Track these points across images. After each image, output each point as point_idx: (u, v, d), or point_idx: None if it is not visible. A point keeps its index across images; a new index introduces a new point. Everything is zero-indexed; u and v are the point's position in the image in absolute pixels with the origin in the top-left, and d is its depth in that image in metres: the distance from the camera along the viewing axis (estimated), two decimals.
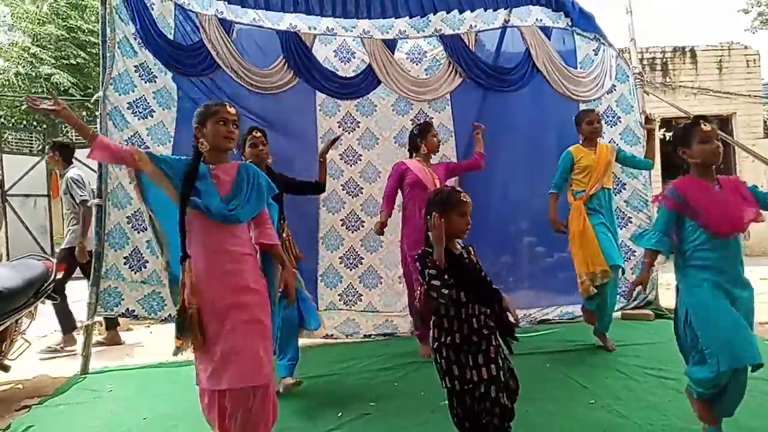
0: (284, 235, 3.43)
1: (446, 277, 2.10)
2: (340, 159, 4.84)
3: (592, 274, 3.72)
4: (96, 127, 4.00)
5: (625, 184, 4.99)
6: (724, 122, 9.29)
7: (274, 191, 2.48)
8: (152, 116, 4.23)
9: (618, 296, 4.71)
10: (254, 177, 2.38)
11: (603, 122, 5.00)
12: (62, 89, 12.50)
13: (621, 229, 4.92)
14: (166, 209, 2.38)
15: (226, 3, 4.50)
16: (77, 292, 4.86)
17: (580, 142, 4.00)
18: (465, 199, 2.21)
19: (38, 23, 12.35)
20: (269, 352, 2.30)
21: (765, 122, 9.99)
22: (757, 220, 2.29)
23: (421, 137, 4.04)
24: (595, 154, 3.89)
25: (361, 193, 4.86)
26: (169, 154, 2.29)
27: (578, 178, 3.90)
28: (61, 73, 12.55)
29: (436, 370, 2.20)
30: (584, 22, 5.03)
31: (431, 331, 2.21)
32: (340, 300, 4.77)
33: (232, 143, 2.34)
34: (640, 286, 2.47)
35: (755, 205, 2.30)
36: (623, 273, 4.03)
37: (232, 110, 2.35)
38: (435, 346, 2.18)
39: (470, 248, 2.28)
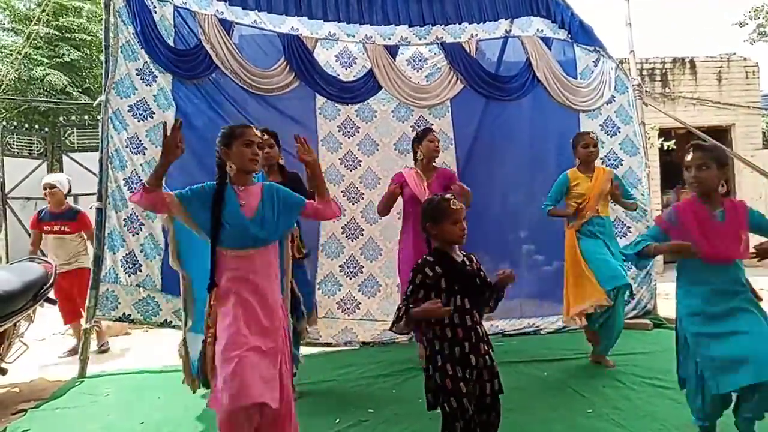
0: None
1: (443, 283, 2.07)
2: (340, 164, 4.83)
3: (584, 309, 3.64)
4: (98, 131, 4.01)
5: None
6: (723, 133, 9.33)
7: (302, 201, 2.42)
8: (152, 117, 4.24)
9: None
10: (278, 192, 2.36)
11: (603, 132, 5.06)
12: (58, 89, 12.50)
13: (621, 238, 4.94)
14: (197, 259, 2.37)
15: (227, 4, 4.53)
16: None
17: (576, 165, 3.90)
18: (454, 206, 2.15)
19: (28, 23, 12.24)
20: (288, 375, 2.28)
21: (764, 133, 10.02)
22: (743, 257, 2.32)
23: (417, 142, 3.97)
24: (592, 181, 3.77)
25: (362, 199, 4.84)
26: (192, 186, 2.31)
27: (572, 203, 3.79)
28: (56, 72, 12.52)
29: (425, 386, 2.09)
30: (583, 34, 5.07)
31: (428, 345, 2.10)
32: (338, 308, 4.73)
33: (258, 165, 2.34)
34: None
35: (745, 232, 2.33)
36: (630, 291, 3.84)
37: (258, 132, 2.36)
38: (438, 364, 2.03)
39: (472, 256, 2.23)
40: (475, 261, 2.22)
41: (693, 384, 2.44)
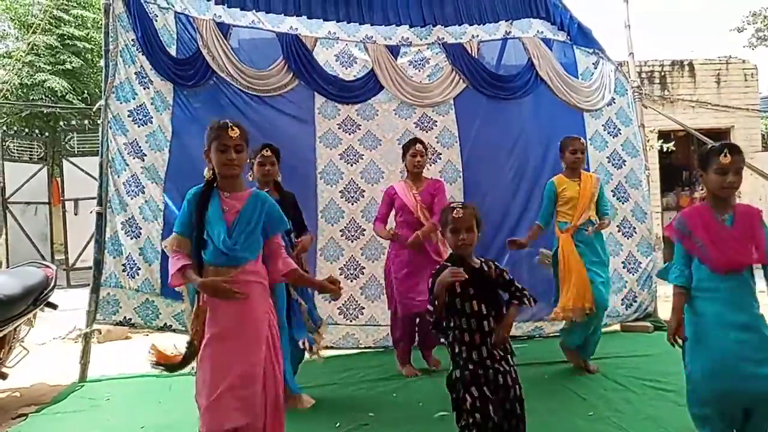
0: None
1: (457, 287, 2.09)
2: (340, 159, 4.71)
3: (580, 310, 3.54)
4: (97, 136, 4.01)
5: (629, 194, 5.03)
6: (723, 135, 9.34)
7: (285, 227, 2.34)
8: (151, 123, 4.23)
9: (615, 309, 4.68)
10: (264, 204, 2.21)
11: (606, 132, 5.06)
12: (59, 95, 12.54)
13: (627, 239, 4.98)
14: None
15: (225, 7, 4.53)
16: (78, 300, 4.85)
17: (563, 171, 3.85)
18: (456, 215, 2.13)
19: (30, 31, 12.31)
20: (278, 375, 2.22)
21: (763, 136, 10.04)
22: (761, 262, 2.18)
23: (403, 155, 3.98)
24: (580, 186, 3.71)
25: (362, 197, 4.71)
26: (180, 210, 2.26)
27: (563, 210, 3.72)
28: (56, 78, 12.59)
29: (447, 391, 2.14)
30: (582, 37, 5.09)
31: (450, 347, 2.14)
32: (339, 314, 4.61)
33: (236, 169, 2.17)
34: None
35: (762, 243, 2.17)
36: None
37: (234, 132, 2.13)
38: (460, 363, 2.08)
39: (490, 263, 2.21)
40: (493, 267, 2.20)
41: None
